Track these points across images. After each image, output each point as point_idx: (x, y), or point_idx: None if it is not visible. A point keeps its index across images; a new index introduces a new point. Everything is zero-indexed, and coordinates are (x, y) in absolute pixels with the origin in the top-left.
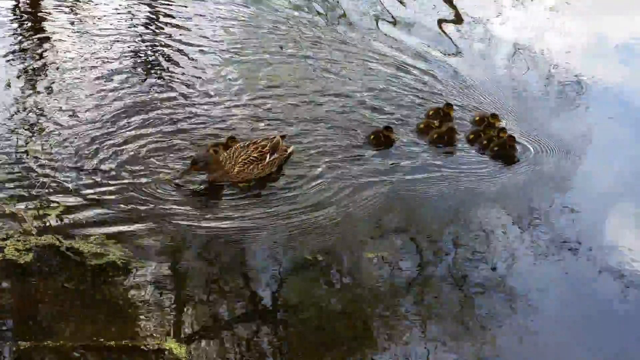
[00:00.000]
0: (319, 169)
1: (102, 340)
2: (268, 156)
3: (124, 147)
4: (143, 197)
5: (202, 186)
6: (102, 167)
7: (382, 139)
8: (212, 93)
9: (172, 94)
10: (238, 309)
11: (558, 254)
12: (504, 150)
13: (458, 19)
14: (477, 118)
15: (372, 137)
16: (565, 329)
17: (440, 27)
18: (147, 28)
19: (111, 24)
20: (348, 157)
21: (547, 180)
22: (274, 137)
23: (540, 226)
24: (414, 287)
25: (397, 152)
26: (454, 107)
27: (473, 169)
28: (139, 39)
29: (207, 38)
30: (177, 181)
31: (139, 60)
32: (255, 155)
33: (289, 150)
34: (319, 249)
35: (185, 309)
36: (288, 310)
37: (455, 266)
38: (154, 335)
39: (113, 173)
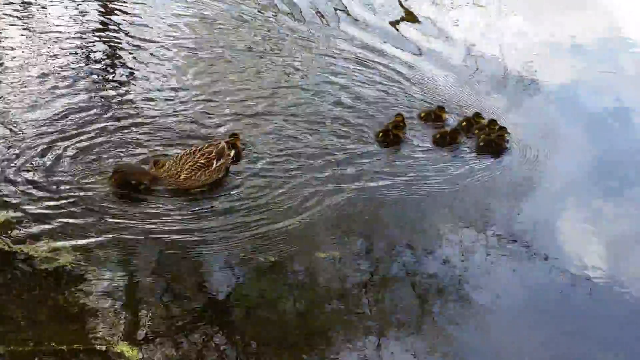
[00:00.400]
0: (279, 170)
1: (53, 344)
2: (215, 162)
3: (72, 149)
4: (94, 201)
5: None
6: (52, 170)
7: (392, 137)
8: (167, 92)
9: (124, 94)
10: (192, 311)
11: (511, 254)
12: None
13: (412, 19)
14: (464, 123)
15: (380, 134)
16: (517, 325)
17: (395, 27)
18: (100, 24)
19: (62, 20)
20: (312, 158)
21: (505, 181)
22: (219, 143)
23: (496, 227)
24: (370, 287)
25: (361, 155)
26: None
27: (438, 172)
28: (91, 35)
29: (163, 34)
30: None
31: (90, 58)
32: (202, 161)
33: (231, 154)
34: (273, 253)
35: (137, 312)
36: (242, 311)
37: (412, 267)
38: (106, 338)
39: (64, 177)
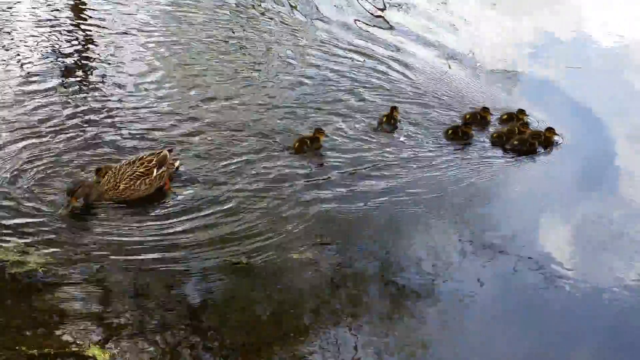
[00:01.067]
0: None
1: (24, 349)
2: (155, 170)
3: (40, 152)
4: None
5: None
6: (20, 175)
7: (460, 135)
8: (136, 93)
9: (93, 90)
10: (164, 314)
11: (486, 254)
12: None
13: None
14: (505, 116)
15: (450, 132)
16: (492, 323)
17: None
18: (71, 14)
19: (28, 12)
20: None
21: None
22: (160, 151)
23: (470, 228)
24: (343, 288)
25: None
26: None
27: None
28: (62, 27)
29: (139, 25)
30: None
31: (59, 54)
32: (141, 170)
33: (176, 164)
34: (245, 254)
35: (109, 315)
36: (215, 314)
37: (386, 268)
38: (77, 342)
39: (31, 182)
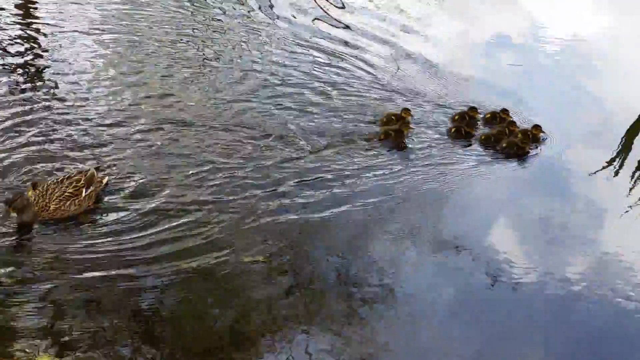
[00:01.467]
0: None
1: None
2: (84, 190)
3: None
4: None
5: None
6: None
7: (463, 133)
8: (87, 94)
9: (39, 96)
10: (116, 323)
11: (439, 259)
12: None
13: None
14: (489, 115)
15: (453, 130)
16: (448, 325)
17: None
18: (19, 12)
19: None
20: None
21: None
22: (88, 170)
23: (425, 228)
24: (299, 295)
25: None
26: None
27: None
28: (8, 29)
29: (90, 22)
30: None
31: (5, 53)
32: (70, 191)
33: (104, 181)
34: (197, 260)
35: (59, 324)
36: (168, 321)
37: (340, 271)
38: (26, 351)
39: None
